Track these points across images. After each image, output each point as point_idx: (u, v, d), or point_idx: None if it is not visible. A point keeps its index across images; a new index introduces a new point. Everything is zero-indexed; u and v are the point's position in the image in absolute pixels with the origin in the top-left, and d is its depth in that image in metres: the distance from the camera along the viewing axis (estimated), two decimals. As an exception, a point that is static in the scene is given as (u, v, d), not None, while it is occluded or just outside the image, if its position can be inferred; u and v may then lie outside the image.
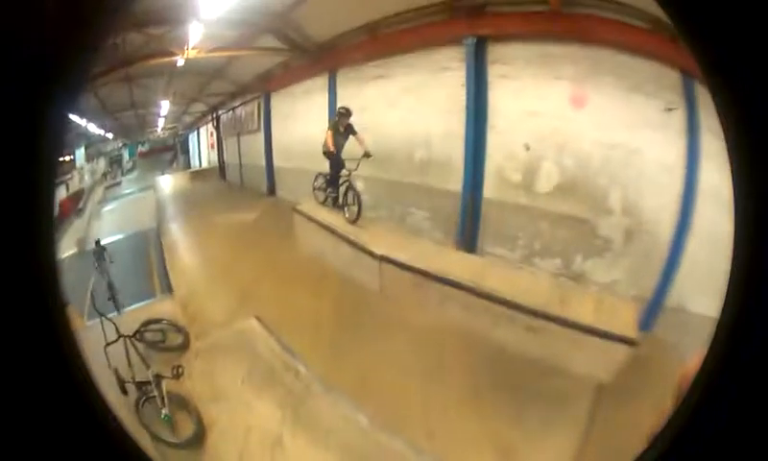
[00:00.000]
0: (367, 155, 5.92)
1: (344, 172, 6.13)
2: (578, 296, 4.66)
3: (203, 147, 10.39)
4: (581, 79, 5.00)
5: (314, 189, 6.64)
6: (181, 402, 3.69)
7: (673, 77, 4.40)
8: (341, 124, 6.05)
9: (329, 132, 6.06)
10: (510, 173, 5.67)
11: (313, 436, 3.34)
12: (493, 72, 5.69)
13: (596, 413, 3.84)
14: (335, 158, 6.14)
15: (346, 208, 6.08)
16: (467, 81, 5.70)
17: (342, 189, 6.17)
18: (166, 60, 7.11)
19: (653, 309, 4.66)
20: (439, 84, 5.98)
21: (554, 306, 4.42)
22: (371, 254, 5.16)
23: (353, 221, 5.94)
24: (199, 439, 3.40)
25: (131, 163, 9.81)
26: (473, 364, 4.41)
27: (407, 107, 6.28)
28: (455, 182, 5.91)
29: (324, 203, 6.48)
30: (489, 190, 5.84)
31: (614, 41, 4.70)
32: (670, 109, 4.48)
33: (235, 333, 4.51)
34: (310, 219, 6.01)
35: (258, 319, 4.65)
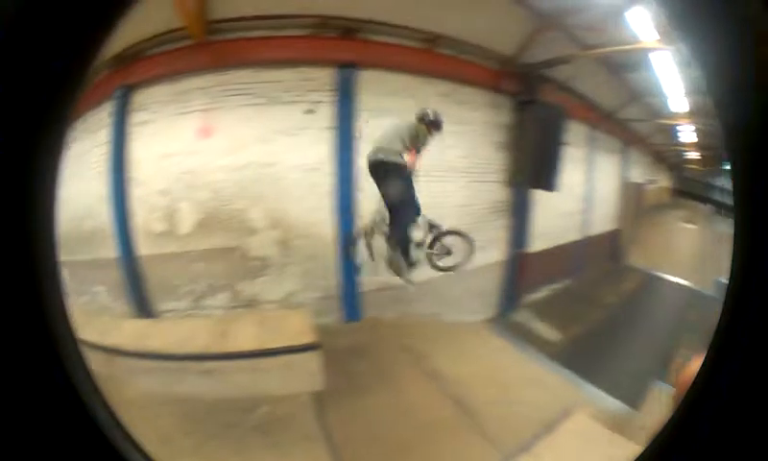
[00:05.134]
0: None
1: None
2: (239, 324, 4.89)
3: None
4: (209, 108, 5.42)
5: None
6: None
7: (323, 74, 5.21)
8: None
9: None
10: (154, 224, 5.81)
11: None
12: (134, 121, 5.54)
13: (326, 420, 4.02)
14: None
15: None
16: (108, 136, 5.32)
17: None
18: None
19: (349, 298, 5.73)
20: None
21: (216, 343, 4.57)
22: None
23: None
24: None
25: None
26: (166, 426, 4.77)
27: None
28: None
29: None
30: (142, 248, 5.90)
31: (258, 59, 5.15)
32: (311, 111, 5.14)
33: None
34: None
35: None
